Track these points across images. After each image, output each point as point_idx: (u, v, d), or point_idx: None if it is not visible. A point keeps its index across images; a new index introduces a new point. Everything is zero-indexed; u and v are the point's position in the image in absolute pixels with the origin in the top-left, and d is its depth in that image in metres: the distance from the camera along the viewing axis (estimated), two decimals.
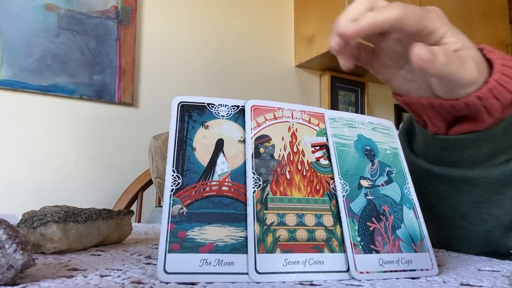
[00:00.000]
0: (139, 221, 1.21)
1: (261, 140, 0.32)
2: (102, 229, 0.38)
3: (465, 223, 0.42)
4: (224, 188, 0.29)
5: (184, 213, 0.27)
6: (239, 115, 0.32)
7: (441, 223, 0.44)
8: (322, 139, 0.34)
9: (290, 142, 0.32)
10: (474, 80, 0.35)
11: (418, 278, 0.29)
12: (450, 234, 0.44)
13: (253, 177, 0.30)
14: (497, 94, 0.36)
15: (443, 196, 0.43)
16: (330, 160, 0.33)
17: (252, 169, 0.30)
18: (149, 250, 0.38)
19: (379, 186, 0.33)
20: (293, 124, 0.33)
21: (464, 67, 0.34)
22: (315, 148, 0.33)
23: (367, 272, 0.28)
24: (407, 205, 0.33)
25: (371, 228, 0.31)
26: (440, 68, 0.32)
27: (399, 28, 0.34)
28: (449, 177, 0.42)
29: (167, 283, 0.25)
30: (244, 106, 0.33)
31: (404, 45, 0.38)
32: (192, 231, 0.27)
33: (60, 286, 0.23)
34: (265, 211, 0.29)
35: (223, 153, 0.31)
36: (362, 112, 2.01)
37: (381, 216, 0.32)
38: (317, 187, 0.31)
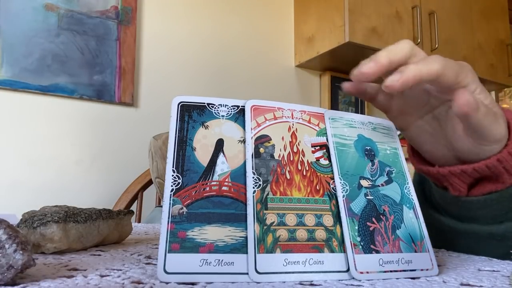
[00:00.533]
0: (139, 221, 1.21)
1: (261, 140, 0.32)
2: (102, 229, 0.38)
3: None
4: (224, 188, 0.29)
5: (184, 213, 0.27)
6: (239, 115, 0.32)
7: None
8: (322, 139, 0.34)
9: (290, 142, 0.32)
10: (502, 137, 0.36)
11: (418, 278, 0.29)
12: None
13: (253, 177, 0.30)
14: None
15: (473, 249, 0.43)
16: (330, 160, 0.33)
17: (252, 169, 0.30)
18: (149, 250, 0.38)
19: (379, 186, 0.33)
20: (293, 124, 0.33)
21: (496, 122, 0.35)
22: (315, 148, 0.33)
23: (367, 272, 0.28)
24: (407, 205, 0.33)
25: (371, 228, 0.31)
26: (480, 118, 0.33)
27: (437, 82, 0.33)
28: (475, 234, 0.42)
29: (167, 283, 0.25)
30: (244, 106, 0.33)
31: (430, 95, 0.38)
32: (192, 231, 0.27)
33: (60, 286, 0.23)
34: (265, 211, 0.29)
35: (223, 153, 0.31)
36: (362, 112, 2.01)
37: (381, 216, 0.32)
38: (317, 187, 0.31)
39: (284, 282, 0.26)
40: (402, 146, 0.38)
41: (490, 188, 0.39)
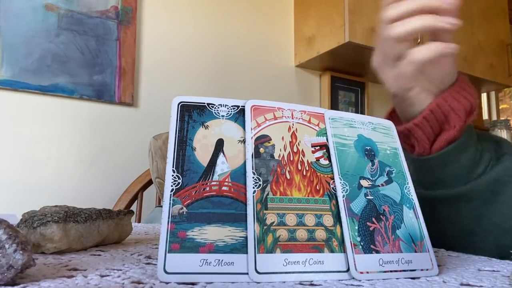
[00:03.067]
0: (139, 221, 1.21)
1: (261, 140, 0.32)
2: (102, 229, 0.38)
3: (473, 237, 0.45)
4: (224, 188, 0.29)
5: (184, 213, 0.27)
6: (239, 115, 0.32)
7: (452, 245, 0.46)
8: (322, 139, 0.34)
9: (290, 142, 0.32)
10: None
11: (418, 278, 0.29)
12: (463, 252, 0.46)
13: (253, 177, 0.30)
14: (456, 98, 0.44)
15: (447, 218, 0.46)
16: (330, 160, 0.33)
17: (252, 169, 0.30)
18: (149, 250, 0.38)
19: (379, 186, 0.33)
20: (293, 124, 0.33)
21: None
22: (315, 148, 0.33)
23: (367, 272, 0.28)
24: (407, 205, 0.33)
25: (371, 228, 0.31)
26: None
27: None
28: (446, 198, 0.45)
29: (167, 283, 0.25)
30: (244, 106, 0.33)
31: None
32: (192, 231, 0.27)
33: (60, 286, 0.23)
34: (265, 211, 0.29)
35: (223, 153, 0.31)
36: (362, 112, 2.01)
37: (381, 216, 0.32)
38: (317, 187, 0.31)
39: (284, 282, 0.26)
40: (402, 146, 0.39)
41: (445, 138, 0.44)
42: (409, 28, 0.42)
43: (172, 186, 0.28)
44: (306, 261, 0.28)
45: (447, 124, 0.44)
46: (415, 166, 0.46)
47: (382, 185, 0.33)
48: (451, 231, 0.47)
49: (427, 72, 0.45)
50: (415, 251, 0.31)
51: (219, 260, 0.26)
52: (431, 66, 0.44)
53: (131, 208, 1.23)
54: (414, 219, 0.33)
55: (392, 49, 0.44)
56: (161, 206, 0.28)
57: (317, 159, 0.33)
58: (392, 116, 0.49)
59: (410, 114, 0.46)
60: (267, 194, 0.29)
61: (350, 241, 0.29)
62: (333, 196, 0.31)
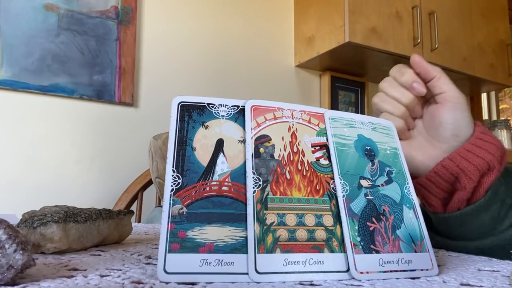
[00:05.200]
0: (139, 221, 1.21)
1: (261, 140, 0.32)
2: (102, 229, 0.38)
3: None
4: (224, 188, 0.29)
5: (184, 213, 0.27)
6: (239, 115, 0.32)
7: None
8: (322, 139, 0.34)
9: (290, 142, 0.32)
10: (465, 135, 0.43)
11: (418, 278, 0.29)
12: None
13: (253, 177, 0.30)
14: (466, 157, 0.41)
15: None
16: (330, 160, 0.33)
17: (252, 169, 0.30)
18: (149, 250, 0.38)
19: (379, 186, 0.33)
20: (293, 124, 0.33)
21: (466, 117, 0.44)
22: (315, 148, 0.33)
23: (367, 272, 0.28)
24: (407, 205, 0.33)
25: (371, 228, 0.31)
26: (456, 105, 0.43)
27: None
28: (465, 249, 0.44)
29: (167, 283, 0.25)
30: (244, 106, 0.33)
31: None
32: (192, 231, 0.27)
33: (60, 286, 0.23)
34: (265, 211, 0.29)
35: (223, 153, 0.31)
36: (362, 112, 2.01)
37: (381, 216, 0.32)
38: (317, 187, 0.31)
39: (284, 282, 0.26)
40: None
41: (458, 199, 0.42)
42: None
43: (172, 186, 0.28)
44: (306, 261, 0.28)
45: (458, 185, 0.42)
46: (433, 219, 0.46)
47: (382, 185, 0.33)
48: None
49: (431, 132, 0.45)
50: (415, 251, 0.31)
51: (219, 260, 0.26)
52: (431, 126, 0.45)
53: (131, 208, 1.23)
54: (414, 219, 0.33)
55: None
56: (161, 206, 0.28)
57: (317, 159, 0.33)
58: None
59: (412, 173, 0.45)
60: (267, 194, 0.29)
61: (350, 241, 0.29)
62: (333, 196, 0.31)
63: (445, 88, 0.43)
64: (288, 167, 0.31)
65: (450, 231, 0.45)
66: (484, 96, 2.72)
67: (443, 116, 0.43)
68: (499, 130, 2.31)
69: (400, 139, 0.43)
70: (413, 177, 0.45)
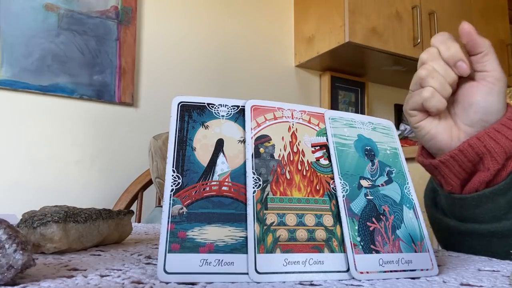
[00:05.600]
0: (139, 221, 1.21)
1: (261, 140, 0.32)
2: (102, 229, 0.38)
3: None
4: (224, 188, 0.29)
5: (184, 213, 0.27)
6: (239, 115, 0.32)
7: None
8: (322, 139, 0.34)
9: (290, 142, 0.32)
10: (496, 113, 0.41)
11: (418, 278, 0.29)
12: None
13: (253, 177, 0.30)
14: (494, 138, 0.39)
15: (477, 249, 0.44)
16: (330, 160, 0.33)
17: (252, 169, 0.30)
18: (149, 250, 0.38)
19: (379, 186, 0.33)
20: (293, 124, 0.33)
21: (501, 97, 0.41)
22: (315, 148, 0.33)
23: (367, 272, 0.28)
24: (407, 205, 0.33)
25: (371, 228, 0.31)
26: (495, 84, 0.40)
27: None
28: (477, 233, 0.43)
29: (167, 283, 0.25)
30: (244, 106, 0.33)
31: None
32: (192, 231, 0.27)
33: (60, 286, 0.23)
34: (265, 211, 0.29)
35: (223, 153, 0.31)
36: (362, 112, 2.01)
37: (381, 216, 0.32)
38: (317, 187, 0.31)
39: (284, 282, 0.26)
40: (402, 146, 0.38)
41: (478, 180, 0.40)
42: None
43: (172, 186, 0.28)
44: (306, 261, 0.28)
45: (481, 165, 0.41)
46: (446, 200, 0.45)
47: (382, 185, 0.33)
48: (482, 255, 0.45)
49: (458, 110, 0.42)
50: (415, 251, 0.31)
51: (219, 260, 0.26)
52: (461, 104, 0.42)
53: (131, 208, 1.23)
54: (414, 219, 0.33)
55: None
56: (161, 206, 0.28)
57: (317, 159, 0.33)
58: (423, 149, 0.46)
59: (435, 151, 0.44)
60: (267, 194, 0.29)
61: (350, 241, 0.29)
62: (333, 196, 0.31)
63: (489, 67, 0.40)
64: (288, 167, 0.31)
65: (463, 213, 0.43)
66: None
67: (476, 98, 0.40)
68: None
69: (428, 115, 0.42)
70: (433, 155, 0.44)
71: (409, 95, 0.43)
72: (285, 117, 0.34)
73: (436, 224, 0.49)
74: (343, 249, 0.29)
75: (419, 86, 0.41)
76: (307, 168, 0.32)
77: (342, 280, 0.28)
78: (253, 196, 0.29)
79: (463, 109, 0.42)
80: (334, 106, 1.92)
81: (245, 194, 0.29)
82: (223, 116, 0.32)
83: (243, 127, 0.32)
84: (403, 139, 1.86)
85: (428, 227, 0.34)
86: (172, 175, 0.29)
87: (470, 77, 0.41)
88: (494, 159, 0.39)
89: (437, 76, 0.39)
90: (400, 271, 0.29)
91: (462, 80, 0.42)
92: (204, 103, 0.32)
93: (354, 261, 0.28)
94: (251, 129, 0.32)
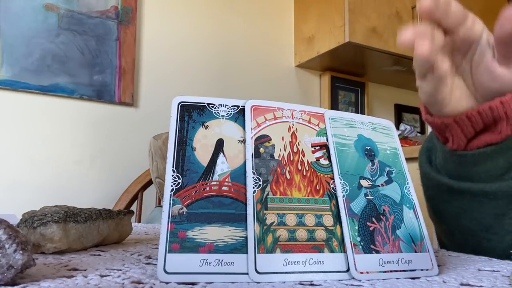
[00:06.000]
0: (139, 221, 1.21)
1: (261, 140, 0.32)
2: (102, 229, 0.38)
3: (490, 234, 0.44)
4: (224, 188, 0.29)
5: (184, 213, 0.27)
6: (239, 115, 0.32)
7: (466, 236, 0.45)
8: (322, 139, 0.34)
9: (290, 142, 0.32)
10: None
11: (418, 278, 0.29)
12: (476, 247, 0.45)
13: (253, 177, 0.30)
14: None
15: (466, 209, 0.44)
16: (330, 160, 0.33)
17: (252, 169, 0.30)
18: (149, 250, 0.38)
19: (379, 186, 0.33)
20: (293, 124, 0.33)
21: None
22: (315, 148, 0.33)
23: (367, 272, 0.28)
24: (407, 205, 0.33)
25: (371, 228, 0.31)
26: None
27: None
28: (469, 192, 0.43)
29: (167, 283, 0.25)
30: (244, 106, 0.33)
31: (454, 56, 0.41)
32: (192, 231, 0.27)
33: (60, 286, 0.23)
34: (265, 211, 0.29)
35: (223, 153, 0.31)
36: (362, 112, 2.01)
37: (381, 216, 0.32)
38: (317, 187, 0.31)
39: (284, 282, 0.26)
40: (402, 146, 0.38)
41: (486, 140, 0.41)
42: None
43: (172, 186, 0.28)
44: (306, 261, 0.28)
45: (493, 127, 0.40)
46: (444, 156, 0.45)
47: (382, 185, 0.33)
48: (467, 222, 0.45)
49: (475, 84, 0.41)
50: (415, 251, 0.31)
51: (219, 260, 0.26)
52: (480, 79, 0.40)
53: (131, 208, 1.23)
54: (414, 219, 0.33)
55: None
56: (161, 206, 0.28)
57: (317, 159, 0.33)
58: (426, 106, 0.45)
59: (448, 110, 0.42)
60: (267, 194, 0.29)
61: (350, 241, 0.29)
62: (333, 196, 0.31)
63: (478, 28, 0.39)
64: (288, 167, 0.31)
65: (459, 171, 0.43)
66: None
67: (505, 73, 0.39)
68: None
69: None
70: (443, 116, 0.42)
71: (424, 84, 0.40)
72: (285, 117, 0.34)
73: (427, 181, 0.49)
74: (343, 249, 0.29)
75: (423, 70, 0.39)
76: (307, 168, 0.32)
77: (342, 280, 0.28)
78: (253, 196, 0.29)
79: (485, 83, 0.40)
80: (334, 106, 1.92)
81: (245, 194, 0.29)
82: (223, 116, 0.32)
83: (243, 127, 0.32)
84: (403, 139, 1.86)
85: (428, 227, 0.34)
86: (172, 175, 0.29)
87: (489, 53, 0.40)
88: (510, 125, 0.39)
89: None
90: (400, 271, 0.29)
91: (480, 52, 0.41)
92: (204, 103, 0.32)
93: (354, 261, 0.28)
94: (251, 129, 0.32)
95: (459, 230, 0.45)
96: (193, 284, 0.25)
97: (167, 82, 1.55)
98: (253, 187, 0.29)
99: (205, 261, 0.26)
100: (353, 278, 0.28)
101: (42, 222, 0.33)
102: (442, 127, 0.43)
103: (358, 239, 0.30)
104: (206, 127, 0.31)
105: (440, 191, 0.46)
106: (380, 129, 0.37)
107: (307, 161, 0.32)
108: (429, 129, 1.72)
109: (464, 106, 0.41)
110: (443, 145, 0.44)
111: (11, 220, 0.40)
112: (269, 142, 0.32)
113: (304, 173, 0.31)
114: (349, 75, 1.99)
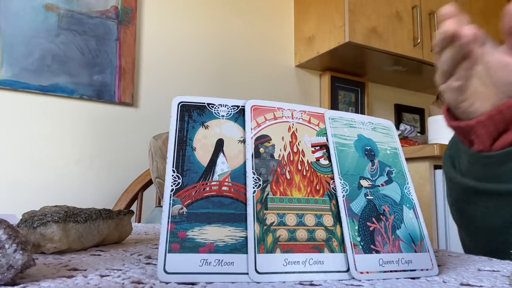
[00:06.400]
0: (139, 221, 1.21)
1: (261, 140, 0.32)
2: (102, 229, 0.38)
3: None
4: (224, 188, 0.29)
5: (184, 213, 0.27)
6: (239, 115, 0.32)
7: (493, 234, 0.46)
8: (322, 139, 0.34)
9: (290, 142, 0.32)
10: None
11: (418, 278, 0.29)
12: (502, 245, 0.45)
13: (253, 177, 0.30)
14: None
15: (494, 209, 0.45)
16: (330, 160, 0.33)
17: (252, 169, 0.30)
18: (149, 250, 0.38)
19: (379, 186, 0.33)
20: (293, 124, 0.33)
21: None
22: (315, 148, 0.33)
23: (367, 272, 0.28)
24: (407, 205, 0.33)
25: (371, 228, 0.31)
26: None
27: None
28: (496, 192, 0.44)
29: (167, 283, 0.25)
30: (244, 106, 0.33)
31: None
32: (192, 231, 0.27)
33: (60, 286, 0.23)
34: (265, 211, 0.29)
35: (223, 153, 0.31)
36: (362, 112, 2.01)
37: (381, 216, 0.32)
38: (317, 187, 0.31)
39: (284, 282, 0.26)
40: (402, 146, 0.38)
41: (509, 138, 0.41)
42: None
43: (172, 186, 0.28)
44: (306, 261, 0.28)
45: None
46: (470, 160, 0.45)
47: (382, 185, 0.33)
48: (494, 220, 0.45)
49: (494, 82, 0.42)
50: (415, 251, 0.31)
51: (219, 260, 0.26)
52: (498, 75, 0.42)
53: (131, 208, 1.23)
54: (414, 219, 0.33)
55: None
56: (161, 206, 0.28)
57: (317, 159, 0.33)
58: (448, 112, 0.46)
59: (472, 111, 0.43)
60: (267, 194, 0.29)
61: (350, 241, 0.29)
62: (333, 196, 0.31)
63: None
64: (288, 167, 0.31)
65: (486, 172, 0.44)
66: None
67: None
68: None
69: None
70: (458, 118, 0.44)
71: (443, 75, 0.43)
72: (285, 117, 0.34)
73: (453, 185, 0.50)
74: (343, 249, 0.29)
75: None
76: (307, 168, 0.32)
77: (342, 280, 0.28)
78: (253, 196, 0.29)
79: (507, 81, 0.42)
80: (334, 106, 1.92)
81: (245, 194, 0.29)
82: (223, 116, 0.32)
83: (243, 127, 0.32)
84: (403, 139, 1.86)
85: (428, 226, 0.34)
86: (172, 175, 0.29)
87: (502, 50, 0.42)
88: None
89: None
90: (400, 271, 0.29)
91: (492, 51, 0.44)
92: (204, 103, 0.32)
93: (354, 261, 0.28)
94: (251, 129, 0.32)
95: (486, 230, 0.46)
96: (193, 284, 0.25)
97: (167, 82, 1.55)
98: (253, 187, 0.29)
99: (205, 261, 0.26)
100: (353, 278, 0.28)
101: (42, 222, 0.33)
102: (467, 129, 0.44)
103: (358, 239, 0.30)
104: (206, 127, 0.31)
105: (466, 194, 0.47)
106: (380, 129, 0.37)
107: (307, 161, 0.32)
108: (429, 130, 1.72)
109: (487, 106, 0.42)
110: (468, 149, 0.45)
111: (11, 220, 0.40)
112: (269, 142, 0.32)
113: (304, 173, 0.31)
114: (349, 75, 1.98)
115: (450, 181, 0.51)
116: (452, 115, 0.46)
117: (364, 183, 0.33)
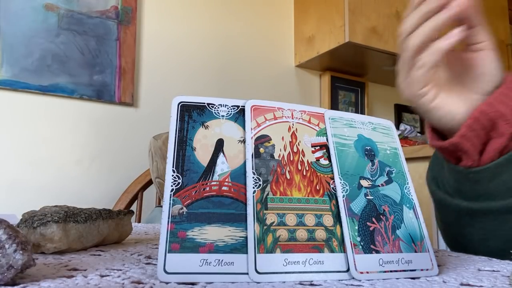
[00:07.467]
0: (139, 221, 1.21)
1: (261, 140, 0.32)
2: (102, 229, 0.38)
3: None
4: (224, 188, 0.29)
5: (184, 213, 0.27)
6: (239, 115, 0.32)
7: (495, 257, 0.44)
8: (322, 139, 0.34)
9: (290, 142, 0.32)
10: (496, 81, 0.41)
11: (418, 278, 0.29)
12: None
13: (253, 177, 0.30)
14: (503, 102, 0.39)
15: (491, 230, 0.43)
16: (330, 160, 0.33)
17: (252, 169, 0.30)
18: (149, 250, 0.38)
19: (379, 186, 0.33)
20: (293, 124, 0.33)
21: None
22: (315, 148, 0.33)
23: (367, 272, 0.28)
24: (407, 205, 0.33)
25: (371, 228, 0.31)
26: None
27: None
28: (492, 211, 0.42)
29: (167, 283, 0.25)
30: (244, 106, 0.33)
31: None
32: (192, 231, 0.27)
33: (60, 286, 0.23)
34: (265, 211, 0.29)
35: (223, 153, 0.31)
36: (362, 112, 2.01)
37: (381, 216, 0.32)
38: (317, 187, 0.31)
39: (284, 282, 0.26)
40: (402, 146, 0.38)
41: (495, 147, 0.40)
42: (421, 35, 0.39)
43: (172, 186, 0.28)
44: (306, 261, 0.28)
45: (494, 132, 0.40)
46: (457, 178, 0.43)
47: (382, 185, 0.33)
48: (495, 242, 0.43)
49: (453, 74, 0.42)
50: (415, 251, 0.31)
51: (219, 260, 0.26)
52: (455, 67, 0.41)
53: (131, 208, 1.23)
54: (414, 219, 0.33)
55: (415, 60, 0.42)
56: (161, 206, 0.28)
57: (317, 159, 0.33)
58: (433, 132, 0.45)
59: (448, 126, 0.42)
60: (267, 194, 0.29)
61: (350, 241, 0.29)
62: (333, 196, 0.31)
63: (487, 37, 0.40)
64: (288, 167, 0.31)
65: (476, 189, 0.42)
66: None
67: (487, 66, 0.40)
68: None
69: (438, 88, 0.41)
70: (444, 136, 0.43)
71: (406, 77, 0.43)
72: (285, 117, 0.34)
73: (443, 207, 0.47)
74: (343, 249, 0.29)
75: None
76: (307, 168, 0.32)
77: (342, 280, 0.28)
78: (253, 196, 0.29)
79: (472, 80, 0.41)
80: (334, 106, 1.92)
81: (245, 194, 0.29)
82: (223, 116, 0.32)
83: (243, 127, 0.32)
84: (403, 139, 1.86)
85: (428, 226, 0.34)
86: (172, 175, 0.29)
87: (469, 50, 0.41)
88: (507, 122, 0.39)
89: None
90: (400, 271, 0.29)
91: (456, 54, 0.42)
92: (204, 103, 0.32)
93: (354, 261, 0.28)
94: (251, 129, 0.32)
95: (487, 253, 0.43)
96: (193, 284, 0.25)
97: (167, 82, 1.55)
98: (253, 187, 0.29)
99: (205, 261, 0.26)
100: (353, 278, 0.28)
101: (42, 222, 0.33)
102: (451, 148, 0.42)
103: (358, 239, 0.30)
104: (206, 127, 0.31)
105: (460, 216, 0.44)
106: (380, 129, 0.37)
107: (307, 161, 0.32)
108: None
109: (462, 108, 0.41)
110: (455, 166, 0.43)
111: (11, 220, 0.40)
112: (269, 142, 0.32)
113: (304, 173, 0.31)
114: (349, 75, 1.98)
115: (439, 203, 0.48)
116: (436, 135, 0.44)
117: (364, 183, 0.33)
